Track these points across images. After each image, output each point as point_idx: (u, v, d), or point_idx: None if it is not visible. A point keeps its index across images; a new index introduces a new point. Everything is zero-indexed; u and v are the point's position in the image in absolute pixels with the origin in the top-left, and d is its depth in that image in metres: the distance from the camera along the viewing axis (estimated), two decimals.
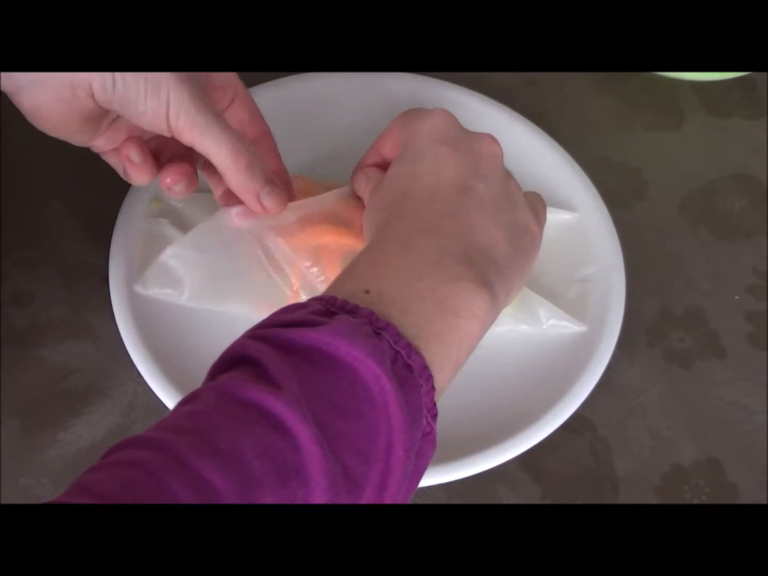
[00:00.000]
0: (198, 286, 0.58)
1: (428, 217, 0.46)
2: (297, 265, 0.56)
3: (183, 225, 0.60)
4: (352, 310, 0.41)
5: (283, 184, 0.55)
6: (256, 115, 0.57)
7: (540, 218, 0.51)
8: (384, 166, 0.54)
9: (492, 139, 0.50)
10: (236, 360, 0.39)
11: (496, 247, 0.46)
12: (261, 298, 0.57)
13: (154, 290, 0.58)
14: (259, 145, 0.56)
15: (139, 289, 0.58)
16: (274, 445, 0.36)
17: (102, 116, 0.51)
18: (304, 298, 0.56)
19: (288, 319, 0.40)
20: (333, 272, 0.55)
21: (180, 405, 0.39)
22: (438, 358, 0.41)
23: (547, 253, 0.54)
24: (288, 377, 0.37)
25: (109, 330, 0.58)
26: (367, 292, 0.42)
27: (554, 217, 0.61)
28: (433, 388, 0.41)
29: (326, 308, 0.41)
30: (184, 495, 0.34)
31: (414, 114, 0.51)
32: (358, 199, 0.56)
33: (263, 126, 0.57)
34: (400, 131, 0.52)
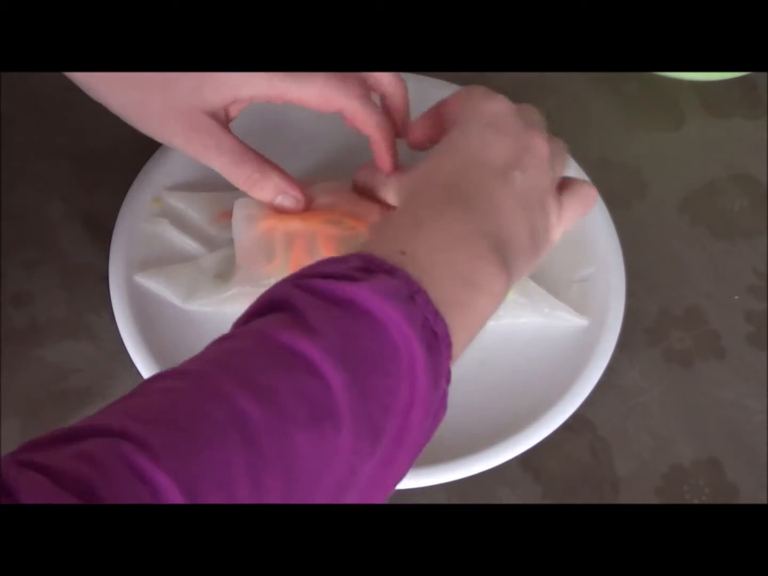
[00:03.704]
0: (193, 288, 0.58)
1: (464, 189, 0.48)
2: (294, 256, 0.56)
3: (183, 225, 0.61)
4: (389, 270, 0.43)
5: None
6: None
7: (560, 222, 0.52)
8: (434, 133, 0.54)
9: (544, 139, 0.51)
10: (276, 304, 0.41)
11: (518, 238, 0.48)
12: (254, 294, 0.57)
13: (153, 283, 0.58)
14: None
15: (139, 278, 0.58)
16: (308, 387, 0.37)
17: None
18: None
19: (329, 271, 0.42)
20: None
21: (215, 342, 0.40)
22: (456, 328, 0.43)
23: (547, 253, 0.54)
24: (326, 325, 0.39)
25: (109, 330, 0.58)
26: (403, 253, 0.44)
27: None
28: (450, 356, 0.43)
29: (365, 265, 0.43)
30: (220, 418, 0.35)
31: (478, 93, 0.53)
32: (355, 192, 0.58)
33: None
34: (460, 104, 0.53)
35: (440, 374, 0.42)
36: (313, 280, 0.41)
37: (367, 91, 0.57)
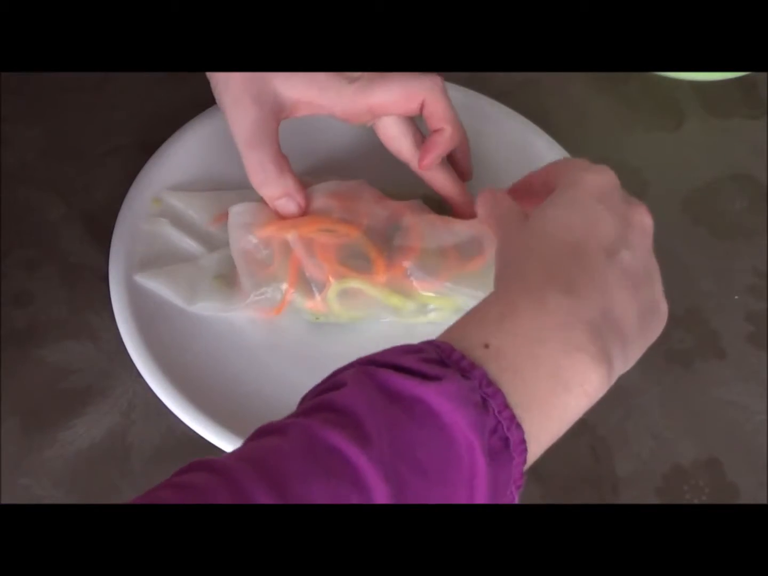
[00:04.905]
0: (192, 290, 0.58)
1: (568, 272, 0.44)
2: (292, 262, 0.56)
3: (183, 225, 0.61)
4: (465, 369, 0.40)
5: None
6: None
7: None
8: (524, 201, 0.52)
9: (646, 210, 0.48)
10: (339, 387, 0.39)
11: (627, 319, 0.44)
12: (255, 303, 0.57)
13: (153, 283, 0.58)
14: None
15: (139, 278, 0.58)
16: (347, 498, 0.36)
17: None
18: (298, 300, 0.57)
19: (400, 362, 0.40)
20: (329, 264, 0.56)
21: (264, 434, 0.38)
22: (537, 431, 0.41)
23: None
24: (380, 429, 0.37)
25: (109, 330, 0.58)
26: (486, 346, 0.41)
27: None
28: (524, 461, 0.41)
29: (441, 358, 0.41)
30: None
31: (578, 163, 0.50)
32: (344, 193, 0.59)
33: None
34: (560, 172, 0.50)
35: (505, 485, 0.40)
36: (382, 370, 0.39)
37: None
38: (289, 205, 0.57)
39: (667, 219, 0.67)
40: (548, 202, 0.47)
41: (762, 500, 0.56)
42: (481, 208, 0.52)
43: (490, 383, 0.40)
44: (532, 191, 0.52)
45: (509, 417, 0.40)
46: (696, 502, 0.56)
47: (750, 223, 0.67)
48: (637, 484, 0.57)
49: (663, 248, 0.65)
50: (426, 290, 0.57)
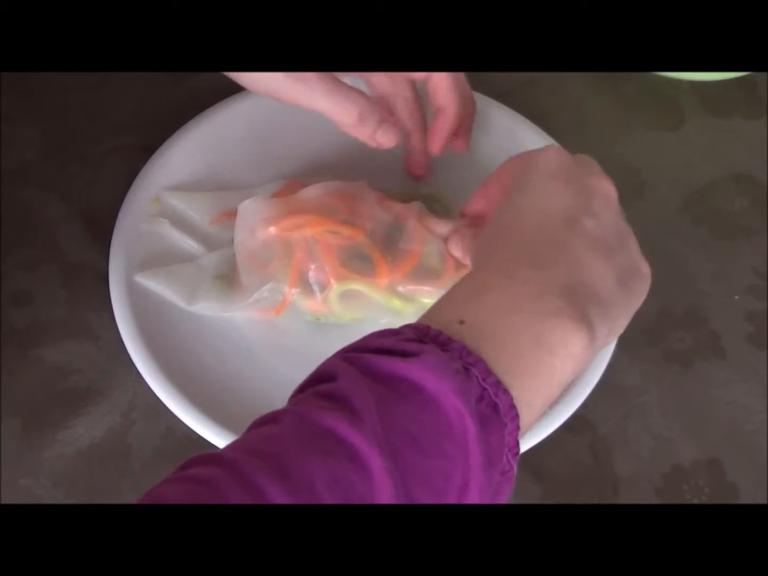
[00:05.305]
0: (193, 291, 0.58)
1: (533, 248, 0.45)
2: (295, 262, 0.56)
3: (183, 225, 0.61)
4: (444, 343, 0.41)
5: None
6: None
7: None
8: (483, 214, 0.54)
9: (605, 178, 0.48)
10: (324, 379, 0.40)
11: (602, 284, 0.44)
12: (255, 303, 0.57)
13: (153, 283, 0.58)
14: None
15: (139, 278, 0.58)
16: (346, 475, 0.36)
17: None
18: (298, 300, 0.57)
19: (380, 344, 0.40)
20: (331, 266, 0.56)
21: (258, 425, 0.39)
22: (527, 396, 0.41)
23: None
24: (369, 407, 0.37)
25: (109, 330, 0.58)
26: (462, 322, 0.42)
27: None
28: (518, 428, 0.41)
29: (419, 337, 0.41)
30: None
31: (524, 154, 0.50)
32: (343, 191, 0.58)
33: None
34: (514, 164, 0.51)
35: (499, 451, 0.40)
36: (363, 355, 0.40)
37: None
38: (388, 132, 0.56)
39: (667, 219, 0.67)
40: (509, 194, 0.48)
41: (762, 500, 0.56)
42: (455, 251, 0.55)
43: (471, 353, 0.40)
44: (496, 190, 0.53)
45: (494, 383, 0.40)
46: (696, 502, 0.56)
47: (750, 223, 0.67)
48: (637, 484, 0.57)
49: (663, 248, 0.65)
50: (426, 295, 0.57)
